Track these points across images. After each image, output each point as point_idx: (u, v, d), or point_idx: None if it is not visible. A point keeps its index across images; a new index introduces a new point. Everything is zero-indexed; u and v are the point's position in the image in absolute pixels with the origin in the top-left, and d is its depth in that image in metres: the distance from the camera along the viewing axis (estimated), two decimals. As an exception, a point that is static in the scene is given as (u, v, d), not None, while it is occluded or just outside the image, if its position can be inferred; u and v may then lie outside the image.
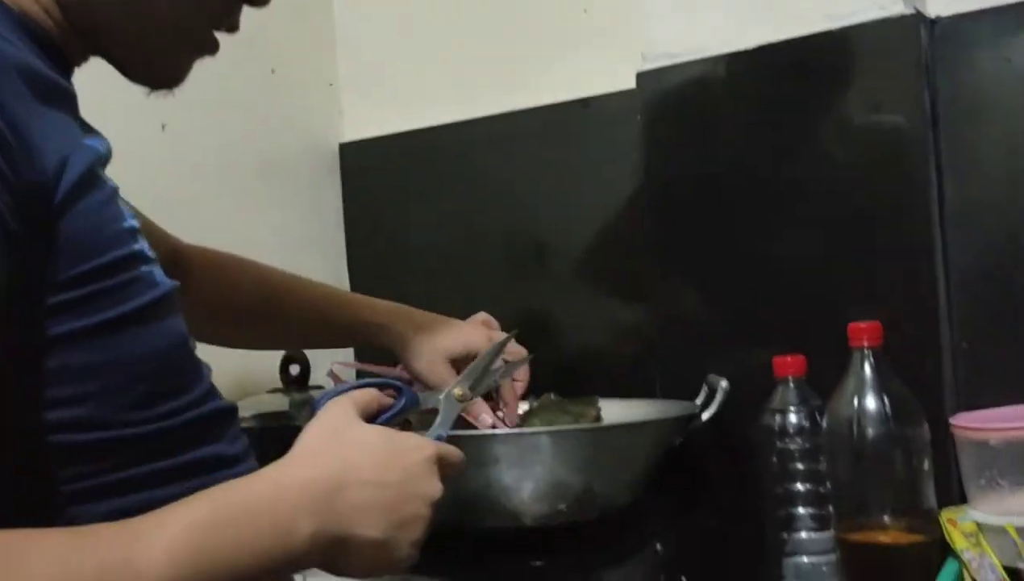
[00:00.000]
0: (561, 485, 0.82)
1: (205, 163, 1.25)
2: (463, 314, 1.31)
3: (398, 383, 0.69)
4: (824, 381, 0.93)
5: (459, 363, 0.94)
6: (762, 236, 1.05)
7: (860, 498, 0.87)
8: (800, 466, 0.95)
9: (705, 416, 0.92)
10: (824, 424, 0.90)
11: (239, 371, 1.23)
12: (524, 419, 0.98)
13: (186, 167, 1.22)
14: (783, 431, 0.95)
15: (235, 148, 1.29)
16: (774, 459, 0.96)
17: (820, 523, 0.94)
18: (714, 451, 1.06)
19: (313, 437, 0.62)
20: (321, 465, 0.60)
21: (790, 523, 0.95)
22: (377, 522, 0.59)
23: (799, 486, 0.95)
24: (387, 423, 0.66)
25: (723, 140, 1.08)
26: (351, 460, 0.61)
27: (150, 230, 0.88)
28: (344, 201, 1.45)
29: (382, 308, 0.98)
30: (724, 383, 0.92)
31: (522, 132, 1.29)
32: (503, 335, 0.96)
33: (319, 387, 1.16)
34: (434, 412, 0.71)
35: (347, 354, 1.39)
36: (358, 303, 0.98)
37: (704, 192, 1.09)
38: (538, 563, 0.85)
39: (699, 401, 0.98)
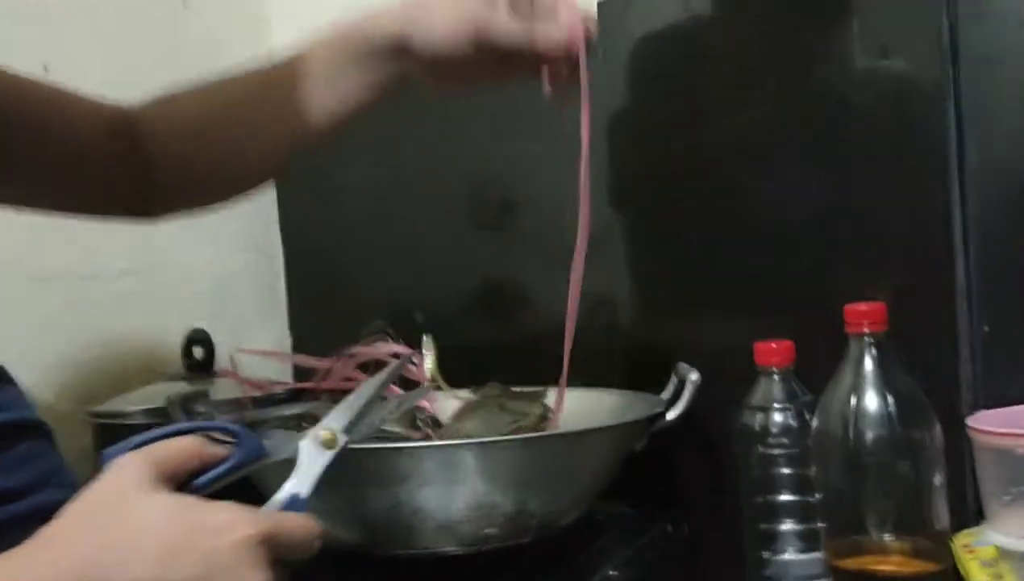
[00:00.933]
0: (488, 506, 0.66)
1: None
2: (407, 275, 1.16)
3: (235, 428, 0.51)
4: (815, 373, 0.78)
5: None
6: (745, 195, 0.89)
7: (856, 514, 0.73)
8: (785, 472, 0.80)
9: (671, 415, 0.76)
10: (814, 424, 0.74)
11: (142, 355, 1.07)
12: (456, 417, 0.83)
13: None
14: (765, 431, 0.80)
15: (138, 92, 1.11)
16: (755, 464, 0.81)
17: (808, 542, 0.79)
18: (683, 454, 0.90)
19: (71, 516, 0.45)
20: (67, 559, 0.42)
21: (772, 541, 0.80)
22: None
23: (784, 497, 0.80)
24: (208, 488, 0.48)
25: (701, 80, 0.91)
26: (118, 548, 0.43)
27: (66, 103, 0.74)
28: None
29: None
30: (694, 376, 0.76)
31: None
32: None
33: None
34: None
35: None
36: (338, 27, 0.72)
37: (676, 140, 0.92)
38: (463, 596, 0.69)
39: (666, 395, 0.82)
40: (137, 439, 0.49)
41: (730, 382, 0.83)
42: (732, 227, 0.89)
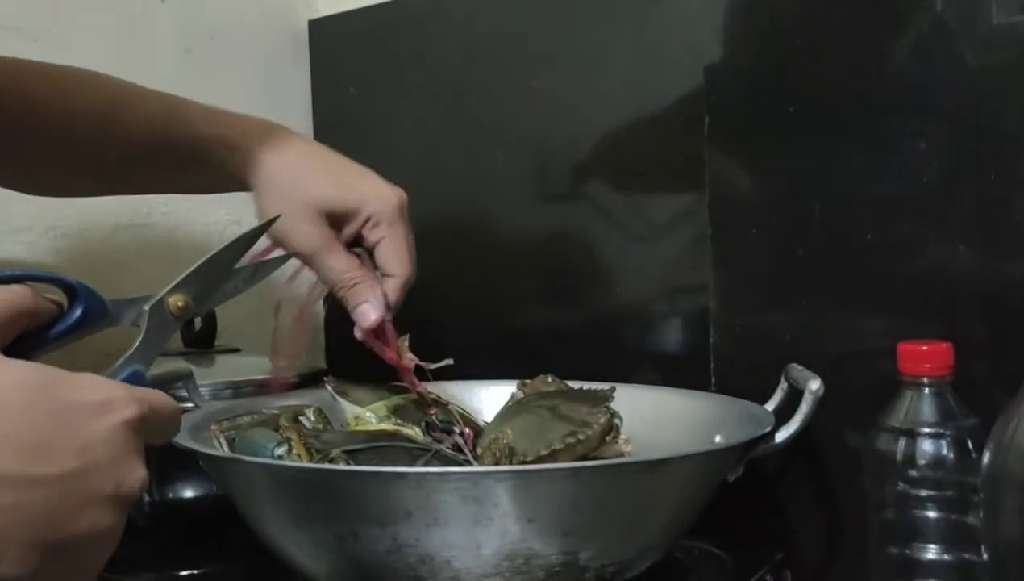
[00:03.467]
0: (523, 556, 0.48)
1: (129, 41, 0.93)
2: (459, 249, 0.99)
3: (71, 279, 0.42)
4: (985, 388, 0.59)
5: (340, 224, 0.63)
6: (879, 151, 0.67)
7: (1039, 586, 0.52)
8: (933, 517, 0.60)
9: (781, 437, 0.56)
10: (986, 458, 0.54)
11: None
12: (497, 424, 0.64)
13: (102, 44, 0.90)
14: (910, 461, 0.60)
15: (165, 25, 0.96)
16: (890, 504, 0.61)
17: (963, 616, 0.59)
18: (790, 482, 0.70)
19: None
20: None
21: (911, 609, 0.60)
22: (10, 551, 0.33)
23: (930, 551, 0.60)
24: (44, 352, 0.40)
25: (816, 40, 0.71)
26: None
27: None
28: (313, 94, 1.09)
29: (244, 124, 0.67)
30: (815, 385, 0.56)
31: (555, 5, 0.91)
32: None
33: (232, 350, 0.83)
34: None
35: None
36: (207, 114, 0.67)
37: (786, 86, 0.72)
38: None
39: (773, 406, 0.62)
40: None
41: (856, 395, 0.63)
42: (866, 188, 0.68)
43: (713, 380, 0.74)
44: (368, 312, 0.61)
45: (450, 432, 0.63)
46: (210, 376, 0.72)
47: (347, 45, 1.08)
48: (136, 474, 0.37)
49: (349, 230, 0.63)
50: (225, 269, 0.49)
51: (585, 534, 0.49)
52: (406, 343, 0.66)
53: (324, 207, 0.62)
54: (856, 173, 0.68)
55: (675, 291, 0.80)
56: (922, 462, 0.59)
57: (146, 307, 0.45)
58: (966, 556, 0.59)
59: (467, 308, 0.96)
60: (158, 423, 0.39)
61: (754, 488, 0.65)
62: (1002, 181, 0.62)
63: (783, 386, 0.63)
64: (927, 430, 0.59)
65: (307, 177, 0.63)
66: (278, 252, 0.62)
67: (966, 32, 0.64)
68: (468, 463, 0.57)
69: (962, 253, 0.63)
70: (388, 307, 0.62)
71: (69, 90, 0.67)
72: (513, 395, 0.68)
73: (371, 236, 0.63)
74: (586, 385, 0.68)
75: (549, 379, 0.70)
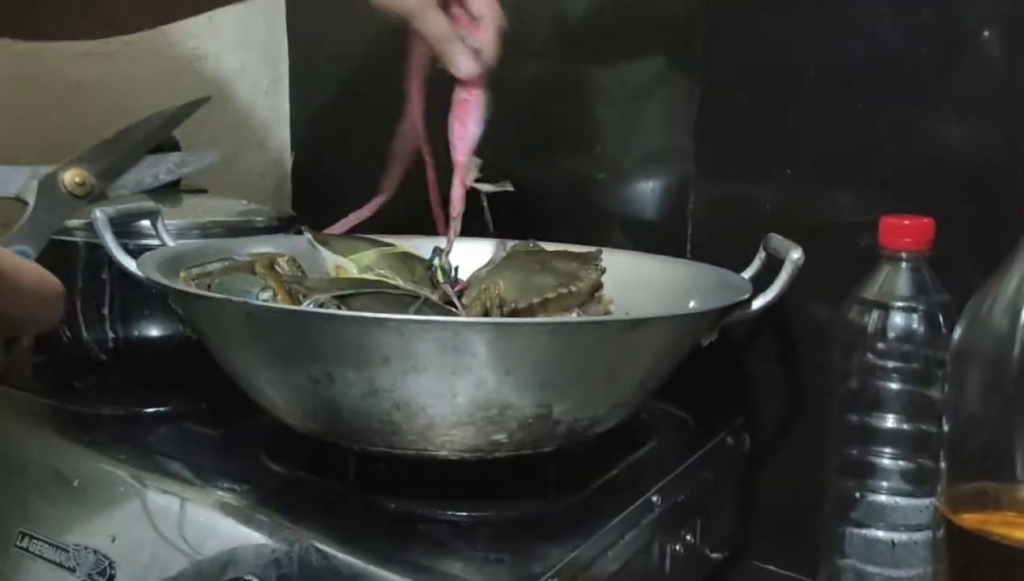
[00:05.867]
0: (497, 407, 0.48)
1: None
2: (432, 94, 0.96)
3: None
4: (961, 265, 0.59)
5: None
6: (877, 21, 0.65)
7: (996, 457, 0.54)
8: (895, 388, 0.61)
9: (758, 304, 0.56)
10: (957, 334, 0.54)
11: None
12: (478, 279, 0.63)
13: None
14: (880, 333, 0.60)
15: None
16: (855, 373, 0.62)
17: (915, 483, 0.61)
18: (756, 347, 0.71)
19: None
20: None
21: (866, 474, 0.62)
22: None
23: (891, 420, 0.61)
24: None
25: None
26: None
27: None
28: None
29: None
30: (796, 254, 0.55)
31: None
32: None
33: (199, 190, 0.80)
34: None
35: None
36: None
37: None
38: (457, 513, 0.52)
39: (751, 273, 0.62)
40: None
41: (830, 267, 0.63)
42: (862, 58, 0.66)
43: (689, 248, 0.74)
44: (462, 63, 0.63)
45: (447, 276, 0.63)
46: (177, 216, 0.70)
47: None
48: None
49: None
50: (138, 148, 0.44)
51: (560, 389, 0.49)
52: (477, 162, 0.65)
53: None
54: (853, 43, 0.66)
55: (656, 155, 0.78)
56: (892, 335, 0.60)
57: (36, 180, 0.39)
58: (924, 427, 0.61)
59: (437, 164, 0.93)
60: (13, 291, 0.30)
61: (720, 353, 0.65)
62: (998, 58, 0.61)
63: (761, 255, 0.63)
64: (900, 303, 0.59)
65: None
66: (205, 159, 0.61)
67: None
68: (457, 312, 0.56)
69: (952, 128, 0.62)
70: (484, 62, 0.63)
71: None
72: (497, 252, 0.67)
73: None
74: (572, 248, 0.67)
75: (531, 245, 0.70)
